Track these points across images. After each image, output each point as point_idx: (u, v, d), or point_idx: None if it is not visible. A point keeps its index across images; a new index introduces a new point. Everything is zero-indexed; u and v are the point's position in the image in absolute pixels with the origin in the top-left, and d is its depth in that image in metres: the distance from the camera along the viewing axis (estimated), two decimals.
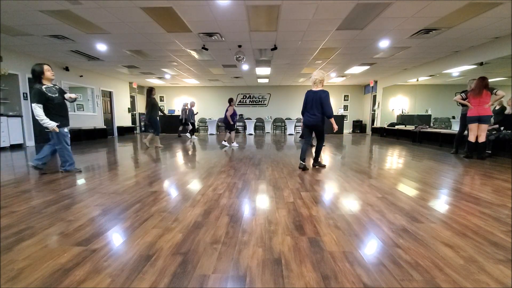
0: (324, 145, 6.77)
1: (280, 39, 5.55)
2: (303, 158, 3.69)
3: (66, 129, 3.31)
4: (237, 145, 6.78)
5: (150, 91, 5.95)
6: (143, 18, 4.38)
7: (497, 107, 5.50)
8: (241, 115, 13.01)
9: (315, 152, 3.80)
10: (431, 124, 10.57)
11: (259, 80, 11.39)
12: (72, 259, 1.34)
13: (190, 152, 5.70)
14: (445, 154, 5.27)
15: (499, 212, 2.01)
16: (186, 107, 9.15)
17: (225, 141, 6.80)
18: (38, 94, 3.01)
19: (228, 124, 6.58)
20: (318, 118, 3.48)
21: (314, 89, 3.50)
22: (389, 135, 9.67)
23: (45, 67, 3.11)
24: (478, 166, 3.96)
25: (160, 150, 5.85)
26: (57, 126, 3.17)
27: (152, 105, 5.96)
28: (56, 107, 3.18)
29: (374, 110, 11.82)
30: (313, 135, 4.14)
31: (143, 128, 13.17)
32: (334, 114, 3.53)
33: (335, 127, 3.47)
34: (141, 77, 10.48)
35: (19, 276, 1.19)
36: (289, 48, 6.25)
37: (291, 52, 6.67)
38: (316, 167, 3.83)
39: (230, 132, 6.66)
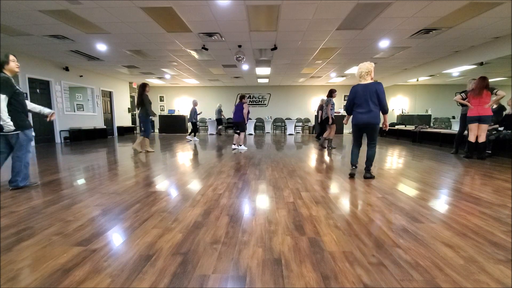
0: (328, 148, 6.04)
1: (280, 39, 5.55)
2: (354, 164, 3.23)
3: (33, 132, 2.77)
4: (237, 148, 6.07)
5: (143, 87, 5.32)
6: (143, 18, 4.38)
7: (494, 106, 5.47)
8: None
9: (368, 159, 3.13)
10: (431, 124, 10.59)
11: (259, 80, 11.39)
12: (72, 259, 1.34)
13: (189, 153, 5.69)
14: (445, 154, 5.27)
15: (499, 212, 2.01)
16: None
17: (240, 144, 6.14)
18: (7, 83, 2.44)
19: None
20: (374, 115, 2.95)
21: (363, 82, 3.03)
22: (389, 135, 9.66)
23: (11, 57, 2.59)
24: (478, 166, 3.96)
25: (160, 152, 5.83)
26: (27, 126, 2.66)
27: (145, 103, 5.40)
28: (22, 104, 2.63)
29: None
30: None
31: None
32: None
33: (387, 125, 3.04)
34: (141, 77, 10.48)
35: (19, 277, 1.19)
36: (289, 48, 6.25)
37: (291, 52, 6.67)
38: (368, 178, 3.16)
39: (239, 134, 6.04)
